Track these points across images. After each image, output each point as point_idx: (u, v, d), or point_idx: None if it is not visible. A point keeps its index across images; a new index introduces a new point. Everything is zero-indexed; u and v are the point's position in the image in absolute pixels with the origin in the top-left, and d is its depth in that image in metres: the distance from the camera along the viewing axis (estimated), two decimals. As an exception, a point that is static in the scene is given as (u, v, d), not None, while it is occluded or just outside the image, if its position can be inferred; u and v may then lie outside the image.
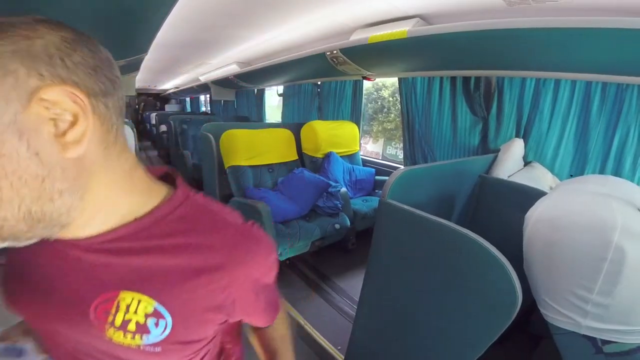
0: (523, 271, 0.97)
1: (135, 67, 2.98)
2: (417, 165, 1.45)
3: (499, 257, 0.89)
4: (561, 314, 0.86)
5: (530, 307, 1.00)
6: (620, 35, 1.21)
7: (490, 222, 1.72)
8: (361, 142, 3.82)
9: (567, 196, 0.94)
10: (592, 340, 0.83)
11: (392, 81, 5.51)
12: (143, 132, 9.94)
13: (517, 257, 0.96)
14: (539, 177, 1.81)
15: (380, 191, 1.27)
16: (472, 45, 1.67)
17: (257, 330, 0.75)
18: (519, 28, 1.40)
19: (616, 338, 0.80)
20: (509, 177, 1.84)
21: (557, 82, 1.81)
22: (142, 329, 0.47)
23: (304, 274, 2.75)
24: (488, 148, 2.19)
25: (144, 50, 2.40)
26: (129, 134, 3.01)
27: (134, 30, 1.79)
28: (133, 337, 0.47)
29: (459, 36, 1.61)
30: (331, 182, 2.82)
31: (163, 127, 6.88)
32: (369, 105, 6.32)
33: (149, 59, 2.99)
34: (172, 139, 5.63)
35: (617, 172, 1.65)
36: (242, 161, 2.80)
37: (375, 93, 6.34)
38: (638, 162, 1.60)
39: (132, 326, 0.47)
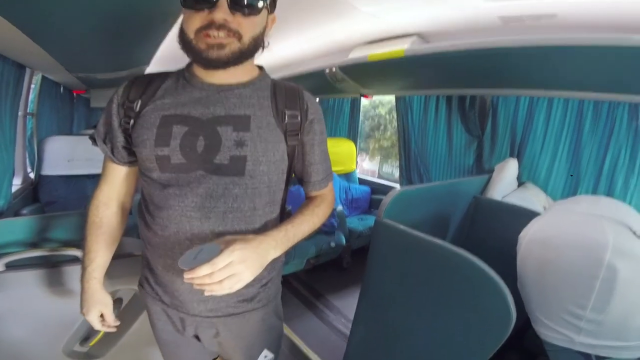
0: (517, 289, 0.97)
1: (137, 79, 3.01)
2: (413, 186, 1.48)
3: (493, 276, 0.90)
4: (555, 330, 0.87)
5: (525, 324, 1.01)
6: (613, 53, 1.24)
7: (484, 242, 1.72)
8: (358, 160, 3.85)
9: (559, 217, 0.96)
10: (587, 356, 0.84)
11: (389, 98, 5.57)
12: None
13: (511, 276, 0.97)
14: (533, 197, 1.82)
15: (376, 210, 1.28)
16: (468, 64, 1.71)
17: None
18: (514, 47, 1.43)
19: (610, 354, 0.81)
20: (503, 197, 1.85)
21: (550, 100, 1.83)
22: None
23: (299, 291, 2.73)
24: (483, 167, 2.21)
25: (146, 62, 2.43)
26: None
27: (137, 43, 1.82)
28: None
29: (456, 55, 1.65)
30: (327, 200, 2.83)
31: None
32: (366, 122, 6.38)
33: (150, 72, 3.02)
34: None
35: (609, 193, 1.66)
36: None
37: (372, 110, 6.41)
38: (629, 183, 1.61)
39: None
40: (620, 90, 1.50)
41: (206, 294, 0.69)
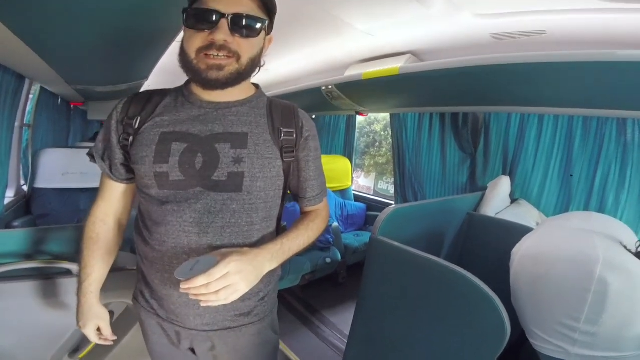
0: (511, 304, 0.98)
1: (135, 91, 3.04)
2: (408, 204, 1.50)
3: (487, 291, 0.92)
4: (550, 343, 0.87)
5: (521, 338, 1.02)
6: (600, 68, 1.28)
7: (478, 258, 1.73)
8: (353, 176, 3.87)
9: (551, 233, 0.99)
10: None
11: (384, 115, 5.65)
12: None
13: (505, 291, 0.98)
14: (526, 214, 1.84)
15: (372, 226, 1.29)
16: (461, 81, 1.75)
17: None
18: (505, 63, 1.47)
19: None
20: (496, 214, 1.87)
21: (541, 117, 1.87)
22: None
23: (294, 307, 2.72)
24: (476, 185, 2.23)
25: (145, 76, 2.46)
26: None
27: (138, 57, 1.84)
28: None
29: (449, 72, 1.69)
30: (323, 217, 2.84)
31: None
32: (362, 139, 6.43)
33: (149, 85, 3.05)
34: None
35: (601, 209, 1.68)
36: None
37: (367, 127, 6.47)
38: (620, 199, 1.63)
39: None
40: (608, 105, 1.53)
41: (202, 304, 0.69)
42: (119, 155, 0.86)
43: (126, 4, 1.11)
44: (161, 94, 0.88)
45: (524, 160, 1.96)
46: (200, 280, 0.66)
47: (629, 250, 0.84)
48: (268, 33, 0.84)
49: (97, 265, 0.90)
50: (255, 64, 0.82)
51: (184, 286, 0.66)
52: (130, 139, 0.82)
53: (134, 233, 0.92)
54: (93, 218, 0.91)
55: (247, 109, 0.86)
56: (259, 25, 0.77)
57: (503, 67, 1.48)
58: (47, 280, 1.24)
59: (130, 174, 0.88)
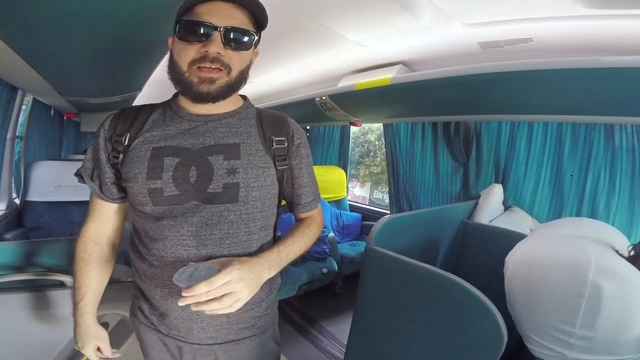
0: (507, 310, 0.99)
1: (129, 103, 3.04)
2: (402, 213, 1.51)
3: (482, 299, 0.92)
4: (547, 348, 0.88)
5: (520, 343, 1.02)
6: (586, 74, 1.30)
7: (473, 266, 1.73)
8: (349, 187, 3.88)
9: (543, 239, 1.00)
10: None
11: (378, 125, 5.68)
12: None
13: (500, 297, 0.99)
14: (519, 220, 1.85)
15: (367, 236, 1.30)
16: (451, 90, 1.77)
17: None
18: (494, 72, 1.49)
19: None
20: (490, 221, 1.88)
21: (531, 124, 1.89)
22: None
23: (291, 318, 2.71)
24: (469, 194, 2.24)
25: (139, 87, 2.46)
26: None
27: (132, 69, 1.85)
28: None
29: (438, 82, 1.71)
30: (319, 228, 2.84)
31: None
32: (356, 149, 6.45)
33: (142, 97, 3.05)
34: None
35: (592, 214, 1.69)
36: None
37: (362, 137, 6.50)
38: (611, 204, 1.65)
39: None
40: (595, 112, 1.56)
41: (207, 313, 0.69)
42: (109, 174, 0.84)
43: (119, 15, 1.12)
44: (148, 108, 0.87)
45: (515, 167, 1.98)
46: (202, 288, 0.66)
47: (621, 255, 0.85)
48: (255, 47, 0.85)
49: (91, 285, 0.88)
50: (244, 76, 0.83)
51: (185, 294, 0.66)
52: (121, 156, 0.81)
53: (130, 249, 0.90)
54: (84, 238, 0.89)
55: (236, 120, 0.86)
56: (250, 39, 0.79)
57: (491, 75, 1.50)
58: (40, 292, 1.23)
59: (121, 192, 0.87)
